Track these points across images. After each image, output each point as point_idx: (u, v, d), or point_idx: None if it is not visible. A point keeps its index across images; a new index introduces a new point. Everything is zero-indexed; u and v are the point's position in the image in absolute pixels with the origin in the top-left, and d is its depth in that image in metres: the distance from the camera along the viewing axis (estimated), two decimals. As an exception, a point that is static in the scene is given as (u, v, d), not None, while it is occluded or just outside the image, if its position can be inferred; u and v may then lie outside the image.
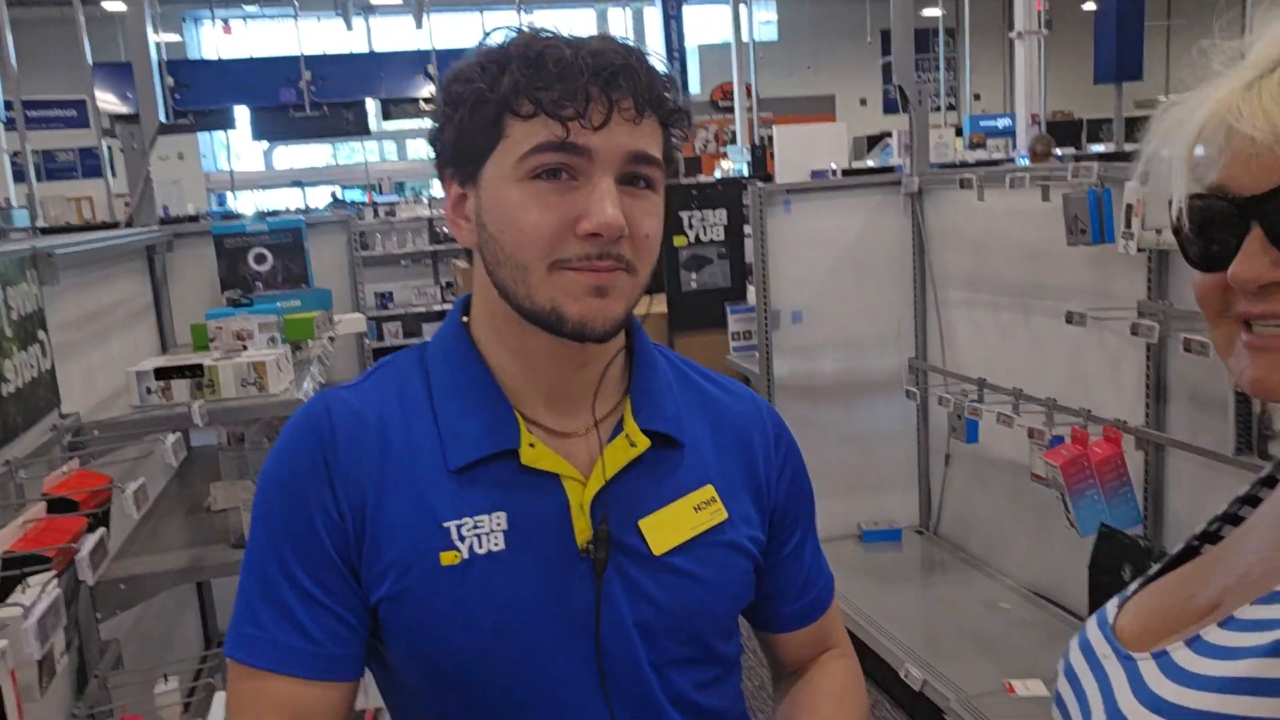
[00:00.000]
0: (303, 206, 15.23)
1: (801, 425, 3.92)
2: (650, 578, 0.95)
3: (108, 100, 11.19)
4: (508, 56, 0.88)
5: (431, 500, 0.92)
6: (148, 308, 3.00)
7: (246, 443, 2.56)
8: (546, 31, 0.91)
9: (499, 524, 0.92)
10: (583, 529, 0.94)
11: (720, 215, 5.43)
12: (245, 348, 2.38)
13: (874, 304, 3.78)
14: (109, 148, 11.57)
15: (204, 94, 11.41)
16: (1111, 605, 0.89)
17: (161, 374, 2.19)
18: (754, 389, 4.58)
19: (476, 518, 0.92)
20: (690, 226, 5.41)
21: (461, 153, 0.92)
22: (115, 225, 3.46)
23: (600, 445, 0.96)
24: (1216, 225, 0.71)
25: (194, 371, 2.20)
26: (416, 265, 9.68)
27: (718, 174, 13.63)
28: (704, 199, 5.41)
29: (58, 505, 1.60)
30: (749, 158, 14.10)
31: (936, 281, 3.69)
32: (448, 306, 0.84)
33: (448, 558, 0.91)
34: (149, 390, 2.18)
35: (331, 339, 2.91)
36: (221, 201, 17.98)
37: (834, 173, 9.12)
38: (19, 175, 10.97)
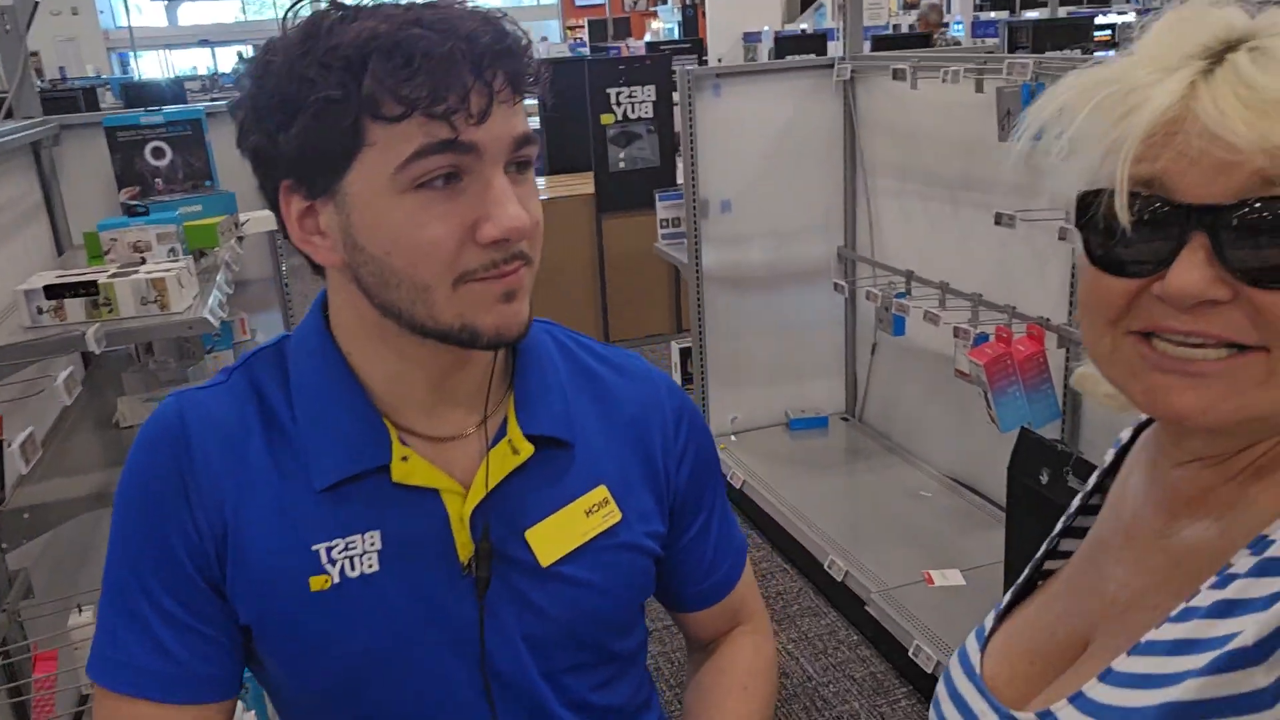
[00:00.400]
0: (211, 69, 14.44)
1: (730, 315, 3.94)
2: (538, 589, 0.90)
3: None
4: (360, 51, 0.75)
5: (298, 521, 0.86)
6: (38, 209, 2.81)
7: (154, 357, 2.45)
8: (383, 5, 0.78)
9: (372, 544, 0.86)
10: (464, 544, 0.88)
11: (649, 91, 5.25)
12: (144, 260, 2.24)
13: (804, 193, 3.71)
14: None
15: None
16: (973, 646, 0.86)
17: (53, 292, 2.06)
18: (683, 281, 4.51)
19: (348, 538, 0.86)
20: (618, 104, 5.22)
21: (308, 164, 0.80)
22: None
23: (474, 453, 0.89)
24: (1151, 229, 0.65)
25: (89, 289, 2.06)
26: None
27: (648, 37, 13.20)
28: (632, 75, 5.21)
29: (-58, 453, 1.51)
30: (680, 18, 13.67)
31: (867, 170, 3.63)
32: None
33: (317, 582, 0.85)
34: (40, 310, 2.05)
35: (240, 240, 2.77)
36: (125, 66, 16.91)
37: (766, 35, 8.89)
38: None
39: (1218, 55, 0.64)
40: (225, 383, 0.91)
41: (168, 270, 2.12)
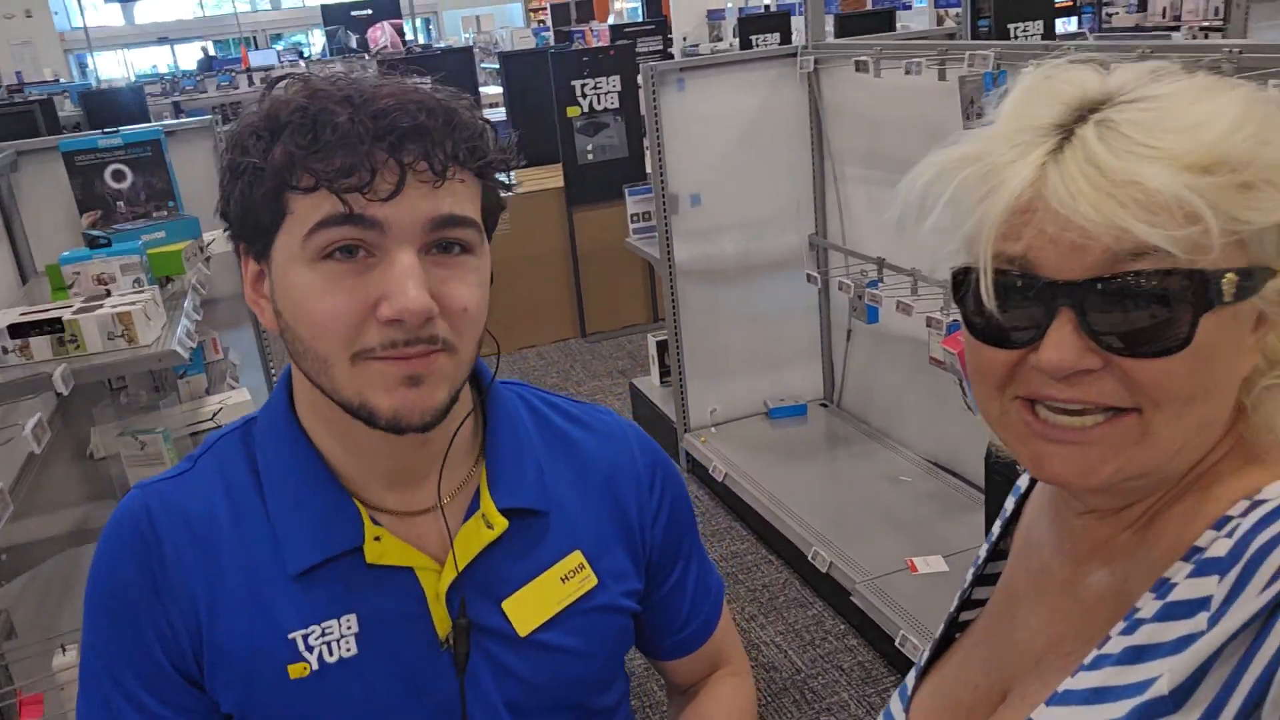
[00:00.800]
0: (172, 67, 14.23)
1: (705, 308, 3.94)
2: (517, 658, 0.91)
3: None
4: (279, 123, 0.77)
5: (273, 610, 0.86)
6: (-2, 238, 2.77)
7: (127, 388, 2.43)
8: (337, 79, 0.79)
9: (349, 627, 0.86)
10: (441, 619, 0.88)
11: (614, 82, 5.21)
12: (108, 292, 2.22)
13: (773, 183, 3.71)
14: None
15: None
16: (897, 707, 0.88)
17: (17, 331, 2.04)
18: (658, 277, 4.49)
19: (325, 624, 0.86)
20: (583, 96, 5.19)
21: (248, 227, 0.82)
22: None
23: (453, 527, 0.89)
24: (1019, 305, 0.67)
25: (54, 327, 2.04)
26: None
27: (611, 18, 13.09)
28: (595, 66, 5.17)
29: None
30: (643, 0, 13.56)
31: (835, 158, 3.63)
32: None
33: (296, 670, 0.85)
34: (4, 350, 2.03)
35: (208, 260, 2.75)
36: (84, 68, 16.65)
37: (729, 12, 8.84)
38: None
39: (1068, 130, 0.66)
40: (191, 470, 0.91)
41: (133, 304, 2.09)
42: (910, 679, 0.89)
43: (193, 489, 0.89)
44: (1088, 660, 0.69)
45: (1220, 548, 0.65)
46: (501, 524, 0.90)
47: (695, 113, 3.58)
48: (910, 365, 3.37)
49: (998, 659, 0.81)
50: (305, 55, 13.42)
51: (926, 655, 0.90)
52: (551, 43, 9.39)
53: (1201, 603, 0.64)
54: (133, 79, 13.58)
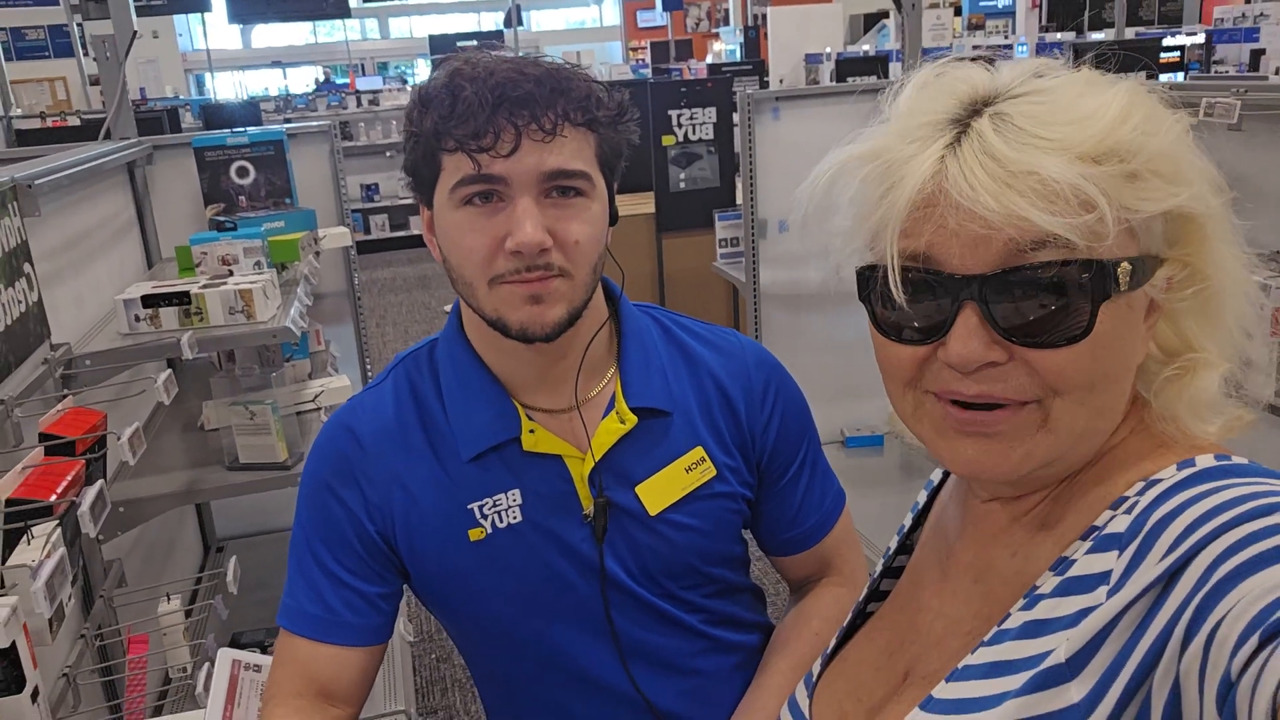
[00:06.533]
0: (283, 90, 14.89)
1: (787, 333, 3.99)
2: (648, 534, 1.08)
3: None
4: (429, 99, 0.97)
5: (454, 486, 1.06)
6: (130, 224, 2.98)
7: (237, 365, 2.59)
8: (472, 60, 0.98)
9: (515, 500, 1.06)
10: (586, 498, 1.06)
11: (710, 113, 5.34)
12: (231, 272, 2.39)
13: (861, 213, 3.76)
14: (79, 26, 11.20)
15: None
16: (801, 693, 0.90)
17: (149, 302, 2.20)
18: (741, 299, 4.55)
19: (495, 497, 1.06)
20: (679, 125, 5.32)
21: (419, 181, 1.03)
22: (93, 127, 3.39)
23: (589, 422, 1.07)
24: (924, 300, 0.69)
25: (182, 299, 2.21)
26: (402, 156, 9.55)
27: (709, 58, 13.32)
28: (693, 97, 5.31)
29: (54, 446, 1.64)
30: (741, 40, 13.76)
31: (924, 191, 3.67)
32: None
33: (474, 534, 1.06)
34: (137, 319, 2.20)
35: (318, 255, 2.91)
36: (201, 86, 17.50)
37: (828, 57, 8.94)
38: (-12, 56, 10.64)
39: (964, 123, 0.68)
40: (383, 382, 1.13)
41: (254, 282, 2.25)
42: (815, 667, 0.91)
43: (387, 399, 1.12)
44: (988, 636, 0.70)
45: (1119, 524, 0.66)
46: (632, 420, 1.08)
47: (788, 141, 3.66)
48: (990, 399, 3.38)
49: (900, 641, 0.82)
50: (407, 83, 13.92)
51: (832, 644, 0.91)
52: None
53: (1101, 577, 0.64)
54: (246, 99, 14.24)
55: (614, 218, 1.07)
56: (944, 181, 0.66)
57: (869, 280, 0.73)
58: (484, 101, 0.94)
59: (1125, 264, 0.65)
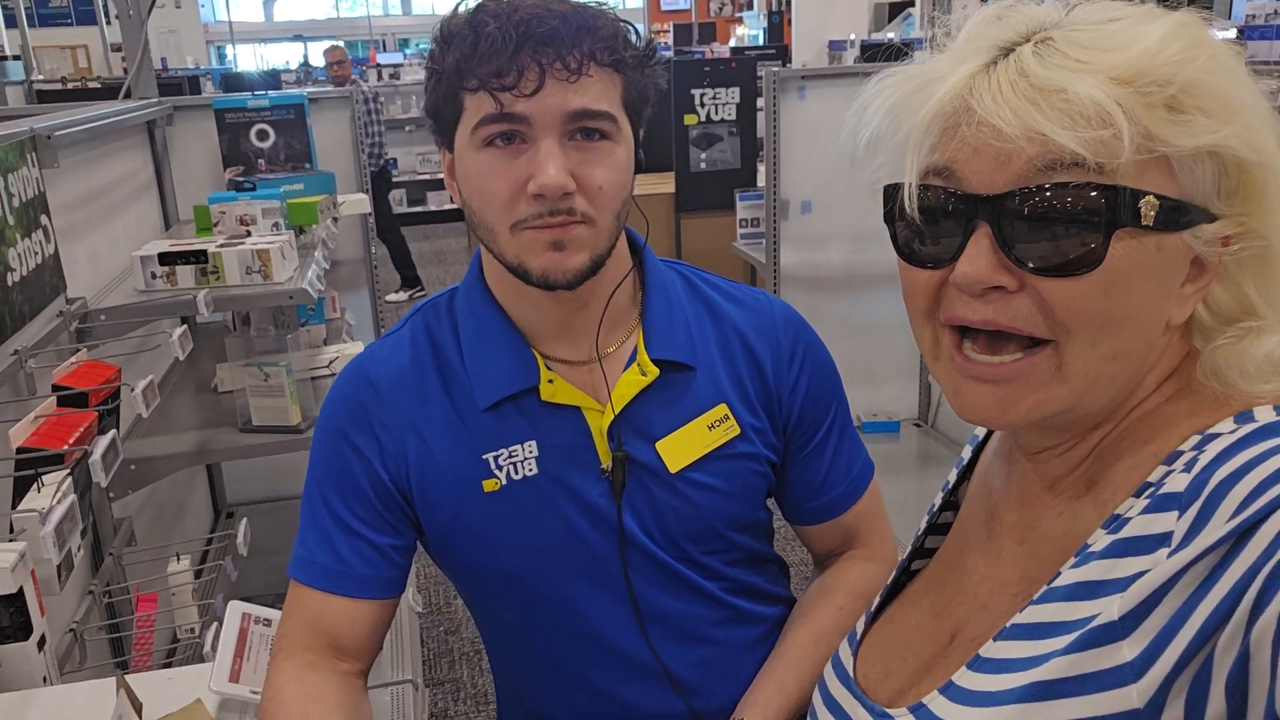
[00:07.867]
0: (302, 62, 14.86)
1: (805, 316, 3.90)
2: (668, 492, 1.04)
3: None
4: (451, 36, 0.93)
5: (470, 435, 1.03)
6: (149, 184, 2.96)
7: (252, 327, 2.57)
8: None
9: (531, 451, 1.02)
10: (604, 452, 1.03)
11: (733, 94, 5.29)
12: (249, 233, 2.36)
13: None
14: (103, -5, 11.20)
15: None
16: (845, 651, 0.88)
17: (166, 259, 2.19)
18: (759, 280, 4.54)
19: (510, 448, 1.02)
20: (702, 105, 5.28)
21: (440, 122, 0.98)
22: (113, 89, 3.38)
23: (610, 375, 1.04)
24: (941, 219, 0.67)
25: (199, 258, 2.19)
26: (421, 131, 9.51)
27: (732, 42, 13.23)
28: (716, 77, 5.26)
29: (67, 398, 1.63)
30: (765, 25, 13.66)
31: (950, 175, 3.63)
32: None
33: (489, 485, 1.03)
34: (154, 275, 2.18)
35: (335, 220, 2.89)
36: (222, 57, 17.50)
37: (851, 44, 8.86)
38: (10, 21, 10.64)
39: (1009, 49, 0.66)
40: (401, 330, 1.10)
41: (271, 243, 2.23)
42: (860, 625, 0.89)
43: (404, 347, 1.08)
44: (1037, 595, 0.67)
45: (1178, 483, 0.63)
46: (653, 372, 1.04)
47: (813, 121, 3.62)
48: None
49: (946, 602, 0.80)
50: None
51: (876, 602, 0.89)
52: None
53: (1161, 539, 0.61)
54: (266, 69, 14.22)
55: (640, 165, 1.02)
56: (970, 98, 0.65)
57: (893, 199, 0.71)
58: (508, 38, 0.89)
59: (1152, 199, 0.62)
